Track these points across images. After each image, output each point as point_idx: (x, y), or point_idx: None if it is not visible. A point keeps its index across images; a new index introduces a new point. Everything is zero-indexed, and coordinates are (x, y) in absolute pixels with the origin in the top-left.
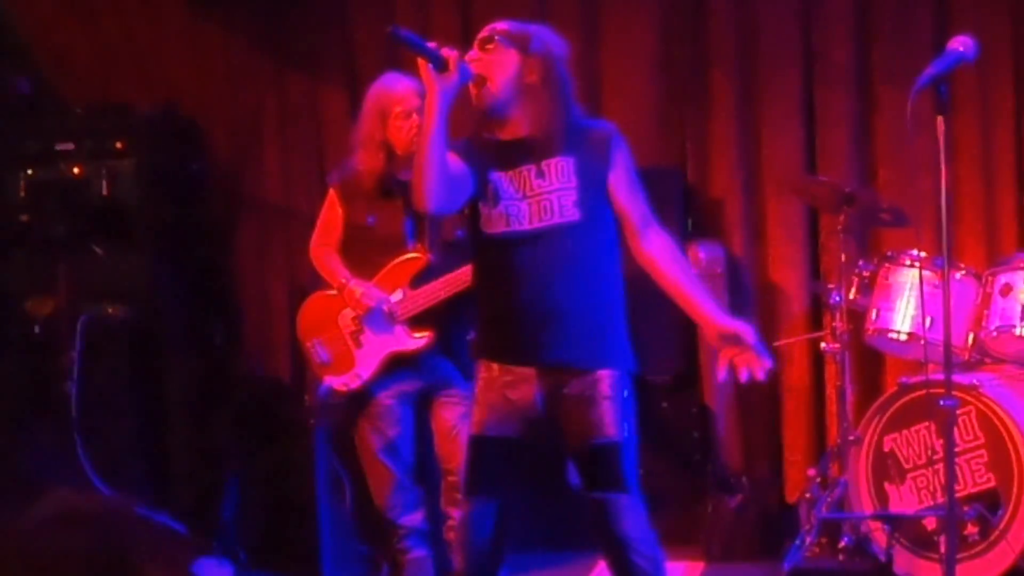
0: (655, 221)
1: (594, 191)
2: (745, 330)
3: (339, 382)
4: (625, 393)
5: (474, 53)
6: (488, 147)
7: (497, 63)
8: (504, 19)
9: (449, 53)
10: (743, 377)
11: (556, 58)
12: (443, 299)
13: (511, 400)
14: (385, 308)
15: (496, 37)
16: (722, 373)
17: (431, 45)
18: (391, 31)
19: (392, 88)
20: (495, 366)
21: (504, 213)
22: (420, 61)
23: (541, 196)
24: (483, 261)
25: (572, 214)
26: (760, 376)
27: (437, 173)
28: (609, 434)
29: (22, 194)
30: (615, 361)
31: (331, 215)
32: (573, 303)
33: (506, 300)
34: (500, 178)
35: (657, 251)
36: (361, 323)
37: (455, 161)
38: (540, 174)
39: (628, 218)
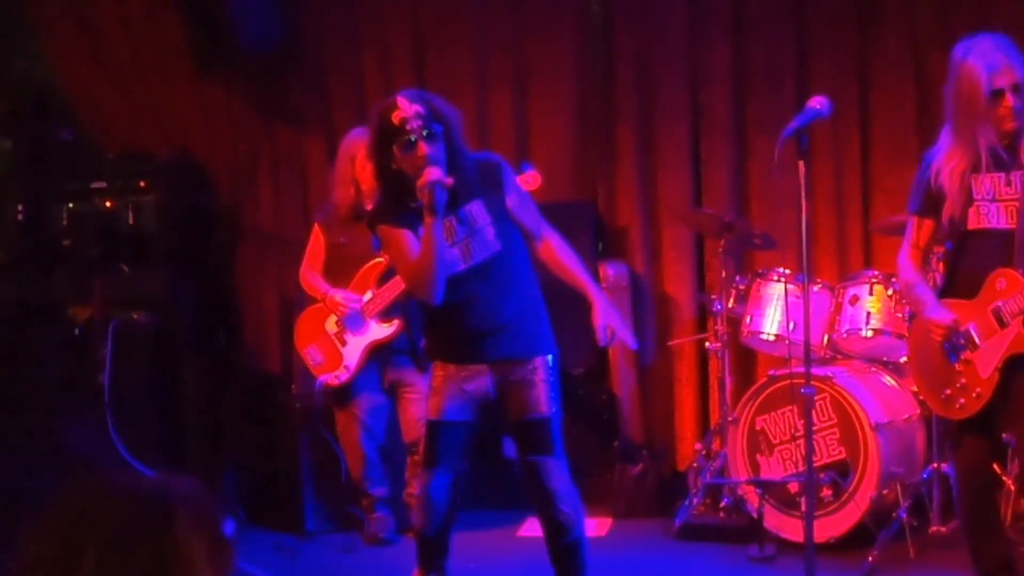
0: (545, 222)
1: (502, 218)
2: (602, 312)
3: (332, 377)
4: (553, 377)
5: (425, 148)
6: (415, 210)
7: (440, 148)
8: (413, 92)
9: (447, 179)
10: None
11: (456, 118)
12: (403, 290)
13: (467, 391)
14: (359, 307)
15: (434, 127)
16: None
17: (433, 179)
18: (429, 211)
19: (359, 138)
20: (451, 366)
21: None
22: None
23: (467, 240)
24: None
25: (495, 246)
26: (601, 342)
27: (442, 280)
28: (542, 410)
29: (64, 223)
30: (545, 348)
31: (315, 244)
32: (510, 312)
33: (456, 322)
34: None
35: (552, 247)
36: (343, 325)
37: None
38: (460, 221)
39: (525, 227)
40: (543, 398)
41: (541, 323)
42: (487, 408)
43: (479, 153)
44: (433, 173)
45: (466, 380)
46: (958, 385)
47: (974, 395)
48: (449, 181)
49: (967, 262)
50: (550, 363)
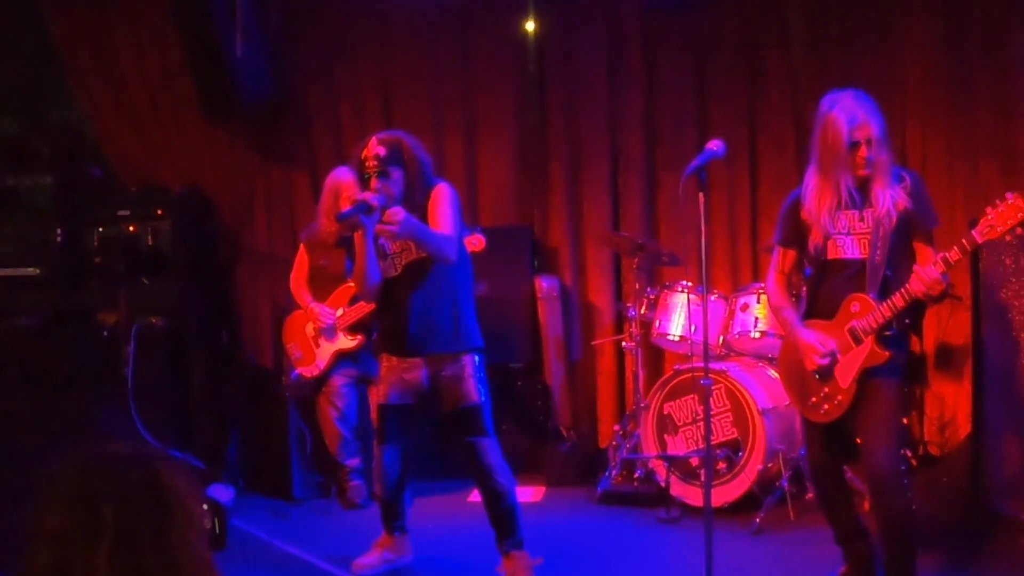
0: (453, 238)
1: None
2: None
3: (306, 370)
4: (480, 371)
5: (377, 184)
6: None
7: (394, 185)
8: (387, 136)
9: (373, 201)
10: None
11: (419, 154)
12: (367, 312)
13: (406, 380)
14: (332, 321)
15: (389, 168)
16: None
17: (360, 198)
18: (337, 217)
19: (343, 177)
20: (394, 358)
21: (390, 263)
22: (354, 219)
23: (402, 252)
24: (380, 294)
25: (415, 255)
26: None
27: (375, 282)
28: (473, 399)
29: (95, 244)
30: (472, 346)
31: (300, 260)
32: (438, 313)
33: (396, 318)
34: (385, 240)
35: None
36: (319, 332)
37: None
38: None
39: None
40: (473, 389)
41: (469, 326)
42: (423, 394)
43: (439, 180)
44: (361, 194)
45: (405, 371)
46: (822, 394)
47: (836, 402)
48: (375, 204)
49: (826, 288)
50: (477, 360)
